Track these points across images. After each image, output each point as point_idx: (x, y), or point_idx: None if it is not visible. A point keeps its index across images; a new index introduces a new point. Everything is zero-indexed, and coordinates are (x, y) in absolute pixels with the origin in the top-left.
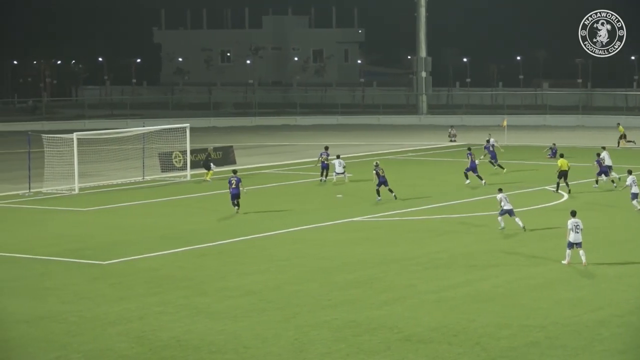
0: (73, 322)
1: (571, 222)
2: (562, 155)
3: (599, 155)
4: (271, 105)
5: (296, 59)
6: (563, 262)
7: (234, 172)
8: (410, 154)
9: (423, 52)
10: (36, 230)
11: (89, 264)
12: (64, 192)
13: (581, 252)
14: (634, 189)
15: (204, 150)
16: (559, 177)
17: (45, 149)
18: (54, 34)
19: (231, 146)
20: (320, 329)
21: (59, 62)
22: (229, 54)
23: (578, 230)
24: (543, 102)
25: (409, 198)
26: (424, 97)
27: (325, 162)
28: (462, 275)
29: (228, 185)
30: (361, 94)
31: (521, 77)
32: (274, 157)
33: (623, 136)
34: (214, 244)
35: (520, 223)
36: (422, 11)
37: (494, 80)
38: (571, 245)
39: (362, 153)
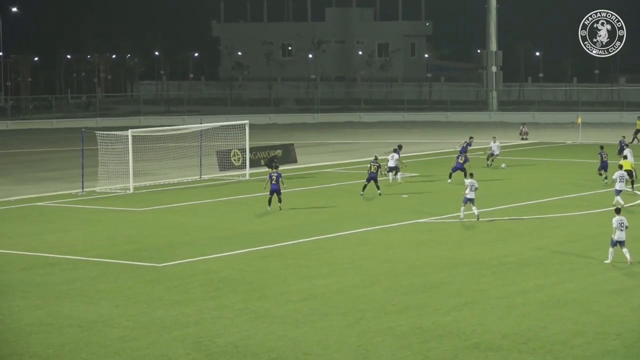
0: (127, 326)
1: (616, 219)
2: (625, 157)
3: (602, 148)
4: (334, 101)
5: (360, 53)
6: (606, 261)
7: (276, 167)
8: (479, 153)
9: (493, 46)
10: (89, 231)
11: (144, 266)
12: (118, 191)
13: (625, 250)
14: (618, 185)
15: (264, 148)
16: None
17: (99, 147)
18: (108, 27)
19: (292, 144)
20: (385, 335)
21: (113, 56)
22: (290, 48)
23: (622, 228)
24: (620, 98)
25: (477, 199)
26: (494, 93)
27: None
28: (533, 280)
29: (268, 179)
30: (428, 90)
31: (597, 71)
32: (337, 156)
33: (638, 132)
34: (274, 245)
35: (476, 212)
36: (493, 3)
37: (568, 75)
38: (614, 243)
39: (429, 151)
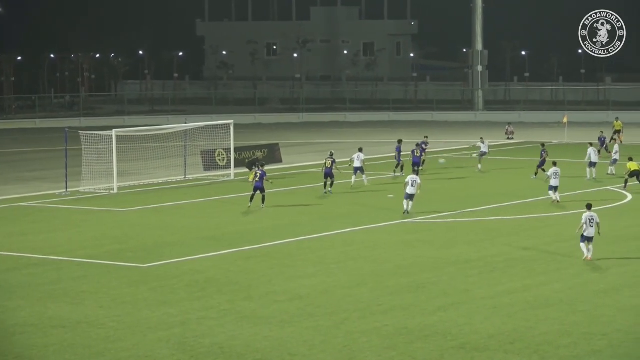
0: (112, 327)
1: (586, 215)
2: (630, 159)
3: (543, 145)
4: (319, 100)
5: (346, 52)
6: (584, 258)
7: (261, 165)
8: (465, 152)
9: (479, 45)
10: (73, 232)
11: (129, 266)
12: (102, 191)
13: (590, 246)
14: (553, 182)
15: (249, 148)
16: (630, 176)
17: (82, 147)
18: (92, 26)
19: (277, 144)
20: (371, 336)
21: (97, 55)
22: (275, 47)
23: (592, 225)
24: (606, 98)
25: (464, 198)
26: (480, 93)
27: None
28: (520, 280)
29: (252, 169)
30: (414, 89)
31: (583, 71)
32: (323, 156)
33: (616, 132)
34: (260, 246)
35: (407, 206)
36: (479, 2)
37: (554, 74)
38: (584, 239)
39: None
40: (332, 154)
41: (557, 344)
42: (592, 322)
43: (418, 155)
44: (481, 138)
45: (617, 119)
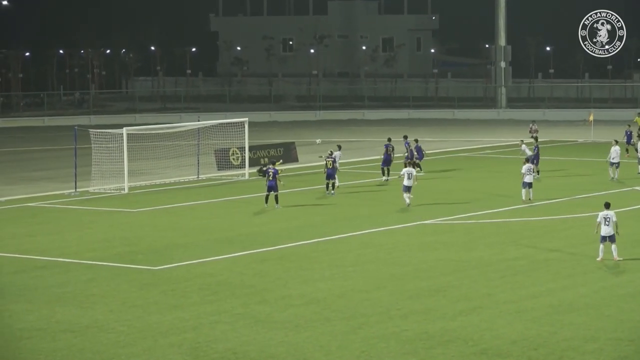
0: (122, 332)
1: (601, 214)
2: None
3: (536, 140)
4: (337, 98)
5: (364, 47)
6: (597, 259)
7: (272, 163)
8: (488, 151)
9: (502, 41)
10: (82, 233)
11: (140, 269)
12: (112, 191)
13: (613, 246)
14: (527, 178)
15: (265, 147)
16: None
17: (92, 145)
18: (102, 21)
19: (293, 142)
20: (389, 341)
21: (107, 51)
22: (291, 43)
23: (608, 223)
24: (634, 95)
25: (485, 199)
26: (503, 90)
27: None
28: (544, 284)
29: (265, 176)
30: (434, 86)
31: (610, 67)
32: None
33: None
34: (275, 248)
35: (407, 200)
36: None
37: (579, 71)
38: (603, 239)
39: (435, 150)
40: (331, 153)
41: (582, 350)
42: (619, 327)
43: (389, 153)
44: (522, 140)
45: (639, 114)
